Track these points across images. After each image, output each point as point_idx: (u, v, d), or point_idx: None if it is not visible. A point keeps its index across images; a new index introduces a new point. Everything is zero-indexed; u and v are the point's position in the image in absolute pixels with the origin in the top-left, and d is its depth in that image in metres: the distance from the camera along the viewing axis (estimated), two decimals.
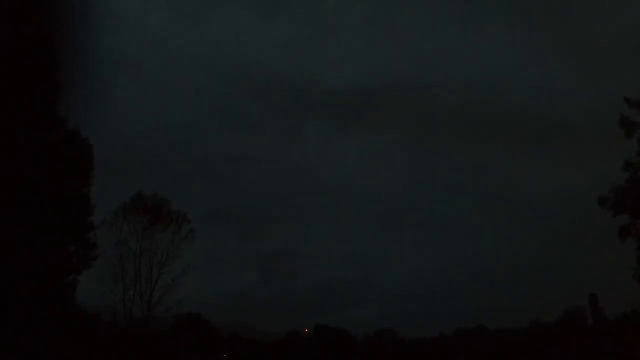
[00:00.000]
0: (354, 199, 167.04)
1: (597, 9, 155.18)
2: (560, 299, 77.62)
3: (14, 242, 19.93)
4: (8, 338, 20.30)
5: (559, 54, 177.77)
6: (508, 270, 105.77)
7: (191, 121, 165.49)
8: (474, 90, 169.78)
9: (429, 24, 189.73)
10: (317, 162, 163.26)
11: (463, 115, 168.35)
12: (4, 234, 19.66)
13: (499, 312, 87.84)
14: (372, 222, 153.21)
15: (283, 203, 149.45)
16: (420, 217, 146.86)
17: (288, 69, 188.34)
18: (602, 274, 65.92)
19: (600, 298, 64.96)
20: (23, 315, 20.58)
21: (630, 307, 54.73)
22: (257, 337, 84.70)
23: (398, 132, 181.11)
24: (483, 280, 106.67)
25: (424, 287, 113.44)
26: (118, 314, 37.74)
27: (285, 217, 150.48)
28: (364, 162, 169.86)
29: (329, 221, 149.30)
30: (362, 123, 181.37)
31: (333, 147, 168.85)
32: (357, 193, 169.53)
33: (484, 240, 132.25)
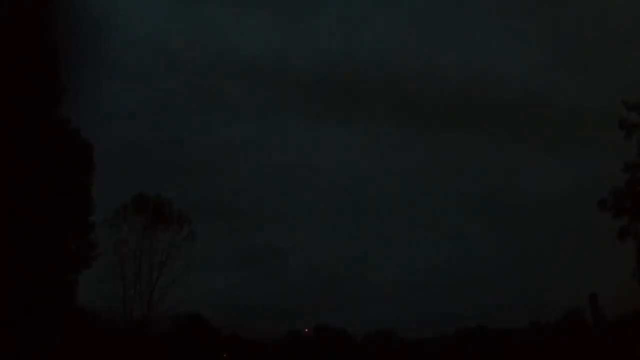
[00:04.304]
0: (347, 194, 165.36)
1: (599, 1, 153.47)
2: (560, 299, 77.19)
3: (14, 241, 19.98)
4: (8, 338, 20.34)
5: (557, 47, 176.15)
6: (508, 270, 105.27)
7: (173, 112, 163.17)
8: (467, 82, 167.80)
9: (420, 14, 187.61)
10: (306, 156, 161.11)
11: (456, 109, 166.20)
12: (4, 234, 19.70)
13: (499, 312, 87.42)
14: (369, 219, 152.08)
15: (273, 198, 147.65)
16: (417, 214, 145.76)
17: (272, 60, 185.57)
18: (602, 274, 65.59)
19: (600, 298, 64.85)
20: (23, 315, 20.62)
21: (630, 307, 54.70)
22: (257, 337, 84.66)
23: (389, 124, 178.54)
24: (483, 280, 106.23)
25: (424, 287, 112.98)
26: (118, 314, 37.83)
27: (277, 212, 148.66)
28: (355, 156, 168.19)
29: (324, 217, 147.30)
30: (350, 115, 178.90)
31: (321, 140, 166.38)
32: (350, 188, 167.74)
33: (483, 239, 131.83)
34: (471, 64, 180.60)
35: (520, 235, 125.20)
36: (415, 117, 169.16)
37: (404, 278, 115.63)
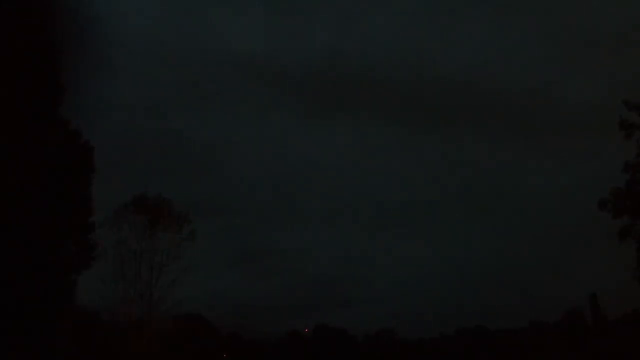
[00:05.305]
0: (347, 193, 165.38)
1: None
2: (560, 299, 77.32)
3: (14, 242, 19.99)
4: (8, 338, 20.35)
5: (557, 45, 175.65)
6: (508, 270, 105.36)
7: (171, 111, 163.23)
8: (464, 80, 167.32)
9: (415, 11, 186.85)
10: (305, 155, 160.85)
11: (453, 107, 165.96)
12: (5, 234, 19.72)
13: (499, 312, 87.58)
14: (369, 219, 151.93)
15: (273, 197, 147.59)
16: (417, 214, 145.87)
17: (267, 57, 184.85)
18: (602, 274, 65.67)
19: (600, 298, 64.93)
20: (23, 315, 20.63)
21: (630, 307, 54.79)
22: (257, 337, 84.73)
23: (387, 122, 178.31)
24: (483, 280, 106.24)
25: (424, 287, 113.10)
26: (118, 314, 37.84)
27: (277, 212, 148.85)
28: (353, 154, 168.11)
29: (324, 217, 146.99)
30: (349, 113, 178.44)
31: (319, 138, 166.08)
32: (349, 188, 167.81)
33: (483, 239, 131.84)
34: (468, 61, 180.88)
35: (520, 235, 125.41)
36: (412, 115, 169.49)
37: (404, 278, 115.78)
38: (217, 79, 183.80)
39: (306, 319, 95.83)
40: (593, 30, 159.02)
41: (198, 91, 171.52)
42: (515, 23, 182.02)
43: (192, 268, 39.81)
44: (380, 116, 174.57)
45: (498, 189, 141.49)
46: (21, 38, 19.27)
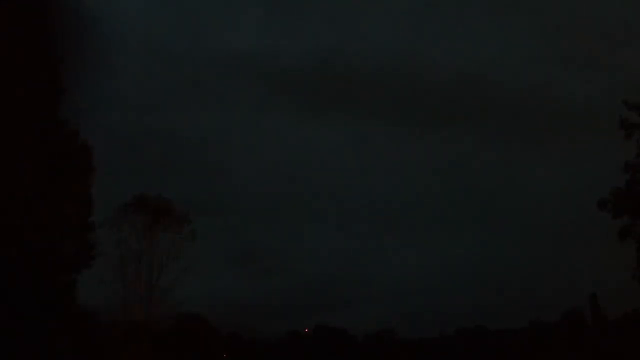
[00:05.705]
0: (346, 193, 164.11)
1: None
2: (560, 299, 77.22)
3: (14, 242, 20.01)
4: (8, 338, 20.36)
5: (557, 43, 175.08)
6: (508, 270, 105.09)
7: (170, 110, 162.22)
8: (464, 79, 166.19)
9: (412, 10, 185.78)
10: (304, 154, 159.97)
11: (452, 106, 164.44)
12: (5, 234, 19.74)
13: (499, 312, 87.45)
14: (368, 219, 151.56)
15: (272, 197, 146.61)
16: (417, 214, 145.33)
17: (265, 56, 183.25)
18: (602, 274, 65.56)
19: (600, 298, 64.93)
20: (23, 315, 20.65)
21: (630, 307, 54.76)
22: (257, 337, 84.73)
23: (385, 121, 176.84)
24: (483, 280, 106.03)
25: (424, 287, 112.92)
26: (118, 314, 37.90)
27: (277, 212, 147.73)
28: (352, 154, 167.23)
29: (322, 217, 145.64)
30: (348, 113, 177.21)
31: (318, 137, 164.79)
32: (348, 187, 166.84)
33: (483, 239, 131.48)
34: (468, 61, 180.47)
35: (519, 236, 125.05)
36: (412, 115, 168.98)
37: (404, 278, 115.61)
38: (217, 78, 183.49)
39: (306, 319, 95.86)
40: (593, 30, 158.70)
41: (197, 91, 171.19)
42: (515, 22, 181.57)
43: (192, 268, 39.89)
44: (380, 116, 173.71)
45: (497, 189, 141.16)
46: (21, 38, 19.30)
